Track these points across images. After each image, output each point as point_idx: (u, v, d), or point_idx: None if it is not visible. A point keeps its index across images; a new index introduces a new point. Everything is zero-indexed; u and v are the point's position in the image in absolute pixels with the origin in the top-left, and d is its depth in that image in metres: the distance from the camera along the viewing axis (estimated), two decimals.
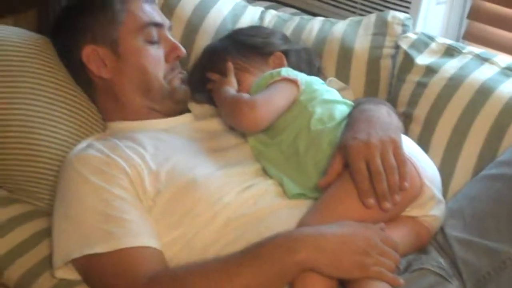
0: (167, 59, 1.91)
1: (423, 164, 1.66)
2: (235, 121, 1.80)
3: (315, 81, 1.86)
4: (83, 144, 1.81)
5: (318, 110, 1.77)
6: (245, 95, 1.80)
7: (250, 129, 1.80)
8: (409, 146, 1.69)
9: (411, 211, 1.65)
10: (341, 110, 1.79)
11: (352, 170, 1.57)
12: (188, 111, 1.97)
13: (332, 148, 1.67)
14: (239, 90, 1.86)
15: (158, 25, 1.91)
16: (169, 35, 1.94)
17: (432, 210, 1.66)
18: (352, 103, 1.83)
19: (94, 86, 1.93)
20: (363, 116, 1.69)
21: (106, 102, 1.93)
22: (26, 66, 1.91)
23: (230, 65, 1.90)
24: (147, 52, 1.88)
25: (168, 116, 1.92)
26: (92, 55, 1.88)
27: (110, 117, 1.93)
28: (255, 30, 2.03)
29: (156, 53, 1.89)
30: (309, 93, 1.81)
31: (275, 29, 2.12)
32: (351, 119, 1.71)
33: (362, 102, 1.81)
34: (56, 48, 1.98)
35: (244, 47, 1.94)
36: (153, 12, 1.93)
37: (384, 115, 1.73)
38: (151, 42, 1.89)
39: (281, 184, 1.72)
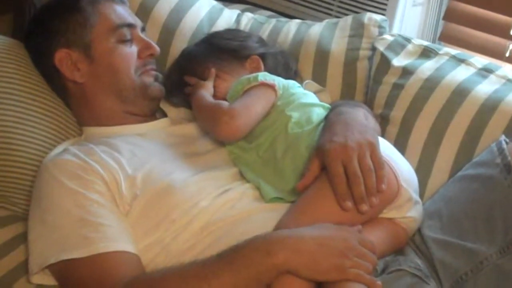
0: (140, 55, 1.90)
1: (400, 166, 1.67)
2: (214, 130, 1.79)
3: (292, 85, 1.86)
4: (59, 149, 1.81)
5: (295, 114, 1.77)
6: (224, 103, 1.79)
7: (230, 138, 1.79)
8: (386, 148, 1.69)
9: (388, 213, 1.66)
10: (318, 113, 1.79)
11: (330, 173, 1.57)
12: (164, 115, 1.96)
13: (309, 152, 1.67)
14: (215, 95, 1.86)
15: (130, 26, 1.91)
16: (142, 35, 1.93)
17: (409, 211, 1.67)
18: (329, 106, 1.83)
19: (68, 91, 1.92)
20: (340, 119, 1.69)
21: (80, 107, 1.92)
22: (0, 71, 1.89)
23: (213, 71, 1.89)
24: (120, 51, 1.87)
25: (143, 118, 1.92)
26: (65, 59, 1.87)
27: (85, 122, 1.92)
28: (231, 33, 2.02)
29: (129, 50, 1.89)
30: (286, 97, 1.81)
31: (251, 33, 2.11)
32: (328, 122, 1.71)
33: (339, 105, 1.81)
34: (29, 53, 1.97)
35: (221, 50, 1.93)
36: (125, 14, 1.92)
37: (361, 117, 1.73)
38: (124, 41, 1.89)
39: (258, 188, 1.72)
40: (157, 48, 1.94)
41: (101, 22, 1.88)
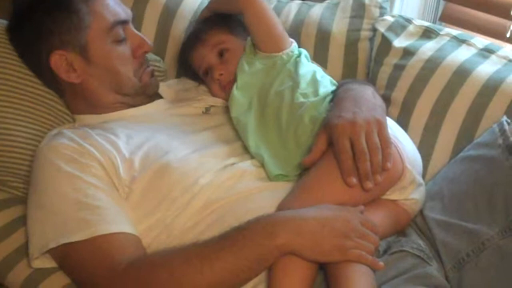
0: (134, 55, 1.87)
1: (406, 147, 1.67)
2: None
3: (305, 55, 1.87)
4: (54, 133, 1.80)
5: (303, 84, 1.77)
6: None
7: None
8: (393, 129, 1.70)
9: (392, 195, 1.65)
10: (326, 86, 1.79)
11: (336, 148, 1.57)
12: (160, 97, 1.95)
13: (313, 124, 1.67)
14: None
15: (123, 22, 1.86)
16: (133, 30, 1.89)
17: (412, 193, 1.66)
18: (336, 82, 1.84)
19: (62, 87, 1.88)
20: (349, 95, 1.69)
21: (75, 100, 1.89)
22: None
23: None
24: (116, 53, 1.83)
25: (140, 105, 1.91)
26: (60, 61, 1.81)
27: (79, 111, 1.90)
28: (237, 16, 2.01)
29: (124, 51, 1.85)
30: (296, 64, 1.81)
31: None
32: (336, 98, 1.71)
33: (347, 82, 1.81)
34: (16, 47, 1.89)
35: (230, 30, 1.92)
36: (117, 8, 1.86)
37: (369, 95, 1.73)
38: (119, 41, 1.84)
39: (262, 164, 1.72)
40: (150, 44, 1.90)
41: (95, 21, 1.81)
